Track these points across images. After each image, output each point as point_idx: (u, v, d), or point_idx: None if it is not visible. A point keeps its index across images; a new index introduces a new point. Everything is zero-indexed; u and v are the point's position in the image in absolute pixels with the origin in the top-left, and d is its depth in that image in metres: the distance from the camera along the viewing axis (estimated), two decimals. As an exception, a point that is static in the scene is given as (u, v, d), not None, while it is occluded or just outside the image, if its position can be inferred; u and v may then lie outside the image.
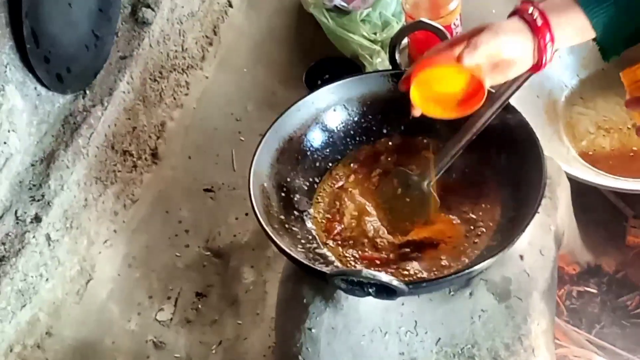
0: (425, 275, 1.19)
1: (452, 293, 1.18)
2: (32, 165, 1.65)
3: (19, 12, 1.49)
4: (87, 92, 1.78)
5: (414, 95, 1.19)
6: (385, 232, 1.28)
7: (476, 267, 1.11)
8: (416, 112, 1.24)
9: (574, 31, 1.16)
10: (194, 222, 1.88)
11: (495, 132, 1.27)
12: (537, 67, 1.18)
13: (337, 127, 1.39)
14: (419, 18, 1.57)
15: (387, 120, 1.40)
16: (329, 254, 1.26)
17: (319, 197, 1.35)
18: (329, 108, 1.39)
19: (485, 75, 1.15)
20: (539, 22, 1.14)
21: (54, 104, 1.70)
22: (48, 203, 1.61)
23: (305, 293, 1.21)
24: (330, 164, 1.39)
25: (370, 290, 1.08)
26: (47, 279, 1.64)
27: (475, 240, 1.23)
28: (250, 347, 1.67)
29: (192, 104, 2.09)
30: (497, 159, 1.29)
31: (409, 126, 1.39)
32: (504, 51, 1.15)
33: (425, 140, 1.38)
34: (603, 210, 1.68)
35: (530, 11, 1.15)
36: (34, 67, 1.57)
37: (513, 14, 1.18)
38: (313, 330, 1.18)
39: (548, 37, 1.14)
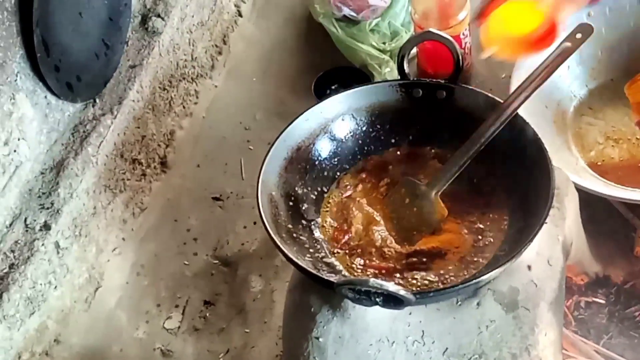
0: (432, 284, 1.19)
1: (459, 303, 1.18)
2: (42, 173, 1.66)
3: (30, 21, 1.49)
4: (97, 100, 1.79)
5: (489, 31, 1.17)
6: (393, 241, 1.27)
7: (484, 277, 1.11)
8: (485, 54, 1.21)
9: None
10: (203, 230, 1.88)
11: (504, 142, 1.27)
12: None
13: (345, 137, 1.40)
14: (428, 28, 1.57)
15: (396, 130, 1.40)
16: (336, 263, 1.26)
17: (326, 207, 1.35)
18: (338, 117, 1.39)
19: (559, 9, 1.12)
20: None
21: (64, 112, 1.71)
22: (57, 211, 1.62)
23: (312, 302, 1.21)
24: (338, 174, 1.39)
25: (377, 299, 1.08)
26: (55, 287, 1.65)
27: (483, 250, 1.23)
28: (257, 355, 1.67)
29: (202, 113, 2.10)
30: (505, 169, 1.29)
31: (417, 136, 1.39)
32: None
33: (433, 150, 1.38)
34: (611, 221, 1.67)
35: None
36: (44, 75, 1.57)
37: None
38: (320, 339, 1.18)
39: None
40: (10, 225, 1.58)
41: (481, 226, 1.26)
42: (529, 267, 1.21)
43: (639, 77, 1.22)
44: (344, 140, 1.40)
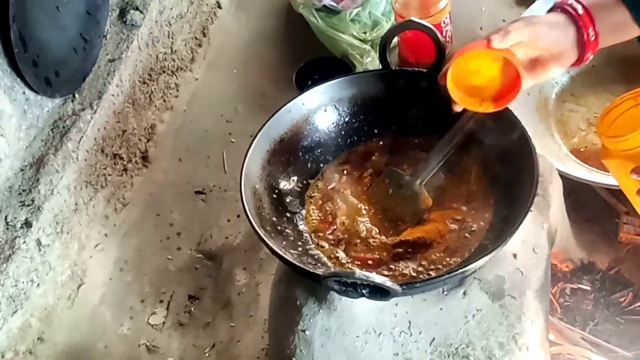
0: (418, 275, 1.19)
1: (445, 293, 1.18)
2: (22, 170, 1.64)
3: (6, 16, 1.48)
4: (76, 95, 1.77)
5: (452, 88, 1.18)
6: (378, 232, 1.27)
7: (469, 267, 1.11)
8: (456, 108, 1.22)
9: (615, 27, 1.14)
10: (186, 224, 1.88)
11: (487, 130, 1.27)
12: (578, 61, 1.17)
13: (328, 128, 1.39)
14: (409, 17, 1.56)
15: (378, 120, 1.39)
16: (321, 255, 1.25)
17: (311, 199, 1.34)
18: (320, 109, 1.38)
19: (522, 68, 1.12)
20: (580, 10, 1.12)
21: (43, 108, 1.70)
22: (38, 208, 1.61)
23: (298, 295, 1.21)
24: (321, 165, 1.38)
25: (363, 291, 1.07)
26: (38, 285, 1.63)
27: (468, 240, 1.22)
28: (243, 349, 1.67)
29: (182, 106, 2.09)
30: (488, 158, 1.29)
31: (400, 126, 1.38)
32: (540, 40, 1.13)
33: (416, 140, 1.37)
34: (595, 207, 1.68)
35: (570, 1, 1.13)
36: (22, 71, 1.56)
37: (552, 9, 1.16)
38: (307, 332, 1.18)
39: (591, 28, 1.13)
40: (-9, 223, 1.57)
41: (466, 215, 1.26)
42: (515, 256, 1.21)
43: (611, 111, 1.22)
44: (326, 131, 1.39)
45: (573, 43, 1.15)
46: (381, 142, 1.39)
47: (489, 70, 1.18)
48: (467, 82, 1.19)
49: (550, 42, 1.15)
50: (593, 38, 1.14)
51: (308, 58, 2.00)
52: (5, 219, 1.58)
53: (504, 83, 1.18)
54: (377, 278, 1.04)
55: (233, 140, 2.01)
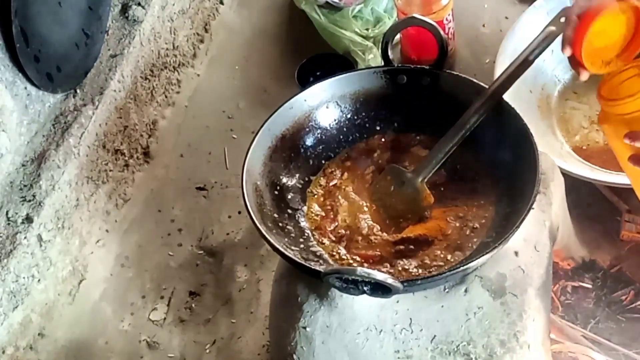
0: (419, 272, 1.19)
1: (447, 290, 1.18)
2: (23, 165, 1.64)
3: (8, 11, 1.47)
4: (78, 91, 1.77)
5: (584, 56, 1.18)
6: (380, 229, 1.27)
7: (471, 264, 1.11)
8: (584, 76, 1.22)
9: None
10: (187, 220, 1.88)
11: (489, 127, 1.27)
12: None
13: (330, 125, 1.39)
14: (411, 14, 1.56)
15: (380, 117, 1.39)
16: (323, 252, 1.25)
17: (312, 195, 1.34)
18: (322, 105, 1.38)
19: None
20: None
21: (44, 103, 1.69)
22: (39, 203, 1.60)
23: (299, 291, 1.21)
24: (323, 162, 1.38)
25: (364, 288, 1.07)
26: (39, 280, 1.63)
27: (470, 237, 1.22)
28: (244, 346, 1.67)
29: (184, 102, 2.08)
30: (490, 155, 1.29)
31: (402, 123, 1.38)
32: None
33: (418, 137, 1.37)
34: (597, 205, 1.68)
35: None
36: (23, 66, 1.56)
37: None
38: (308, 329, 1.18)
39: None
40: (-8, 218, 1.57)
41: (468, 213, 1.26)
42: (516, 253, 1.20)
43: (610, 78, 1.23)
44: (328, 128, 1.39)
45: None
46: (383, 139, 1.39)
47: (612, 29, 1.18)
48: (592, 48, 1.19)
49: None
50: None
51: (310, 54, 1.99)
52: (7, 214, 1.58)
53: (628, 37, 1.18)
54: (378, 275, 1.04)
55: (235, 136, 2.01)
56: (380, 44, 1.41)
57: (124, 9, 1.91)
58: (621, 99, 1.18)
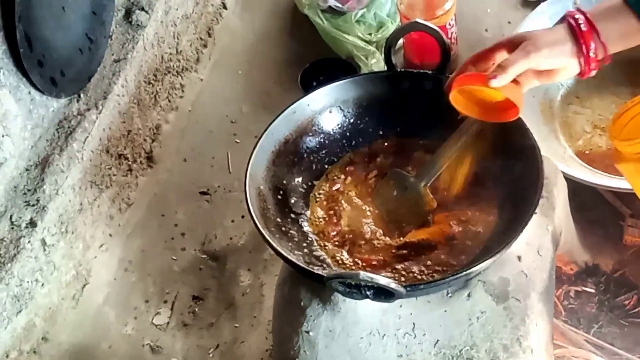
0: (422, 277, 1.19)
1: (450, 295, 1.18)
2: (27, 170, 1.64)
3: (12, 16, 1.48)
4: (82, 95, 1.77)
5: (456, 100, 1.19)
6: (383, 234, 1.27)
7: (474, 269, 1.11)
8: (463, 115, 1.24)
9: (624, 34, 1.14)
10: (190, 225, 1.88)
11: (492, 132, 1.27)
12: (582, 73, 1.18)
13: (332, 129, 1.39)
14: (414, 19, 1.57)
15: (383, 122, 1.39)
16: (326, 256, 1.25)
17: (315, 200, 1.34)
18: (325, 110, 1.38)
19: (522, 103, 1.14)
20: (583, 26, 1.13)
21: (48, 108, 1.70)
22: (43, 208, 1.61)
23: (302, 296, 1.21)
24: (326, 166, 1.38)
25: (367, 292, 1.07)
26: (42, 284, 1.63)
27: (473, 242, 1.22)
28: (247, 350, 1.67)
29: (187, 107, 2.09)
30: (493, 160, 1.28)
31: (404, 128, 1.38)
32: (541, 66, 1.15)
33: (421, 142, 1.37)
34: (600, 209, 1.68)
35: (576, 15, 1.14)
36: (27, 71, 1.56)
37: (562, 20, 1.17)
38: (311, 333, 1.18)
39: (593, 45, 1.13)
40: (-4, 222, 1.57)
41: (470, 217, 1.25)
42: (519, 258, 1.20)
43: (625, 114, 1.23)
44: (331, 132, 1.39)
45: (575, 58, 1.16)
46: (386, 144, 1.39)
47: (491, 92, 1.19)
48: (471, 94, 1.20)
49: (551, 63, 1.16)
50: (593, 54, 1.14)
51: (313, 59, 2.00)
52: (10, 218, 1.58)
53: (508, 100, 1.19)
54: (381, 280, 1.04)
55: (238, 140, 2.01)
56: (383, 49, 1.41)
57: (128, 14, 1.91)
58: (635, 139, 1.18)
